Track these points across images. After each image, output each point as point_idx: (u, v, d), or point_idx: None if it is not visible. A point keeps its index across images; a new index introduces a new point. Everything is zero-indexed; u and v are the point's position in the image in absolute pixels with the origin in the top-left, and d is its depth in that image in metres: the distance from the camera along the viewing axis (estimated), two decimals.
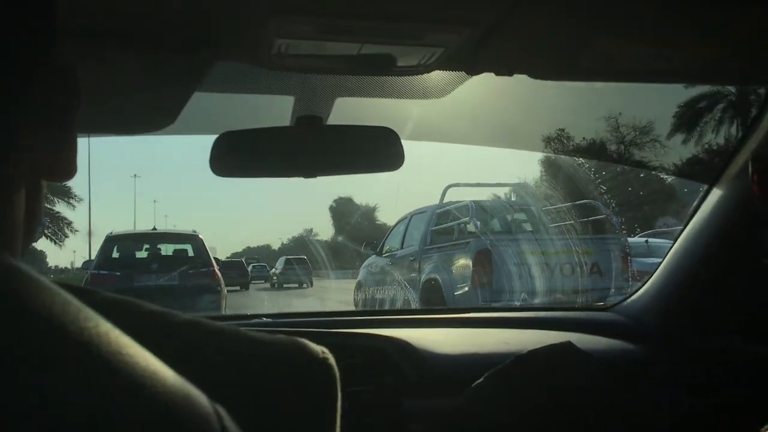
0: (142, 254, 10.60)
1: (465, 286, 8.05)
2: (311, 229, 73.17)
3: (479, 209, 9.05)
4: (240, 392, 0.39)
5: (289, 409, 0.41)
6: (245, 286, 23.51)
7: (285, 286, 25.83)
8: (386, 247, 10.36)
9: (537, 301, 7.84)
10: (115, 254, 10.15)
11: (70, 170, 0.45)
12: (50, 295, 0.30)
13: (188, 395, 0.31)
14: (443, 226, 9.22)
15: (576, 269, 8.07)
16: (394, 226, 10.71)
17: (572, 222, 8.92)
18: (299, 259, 27.16)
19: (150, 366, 0.30)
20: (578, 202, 9.59)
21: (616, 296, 7.65)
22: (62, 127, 0.45)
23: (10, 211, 0.42)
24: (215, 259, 10.87)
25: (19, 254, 0.43)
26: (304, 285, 25.33)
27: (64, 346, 0.28)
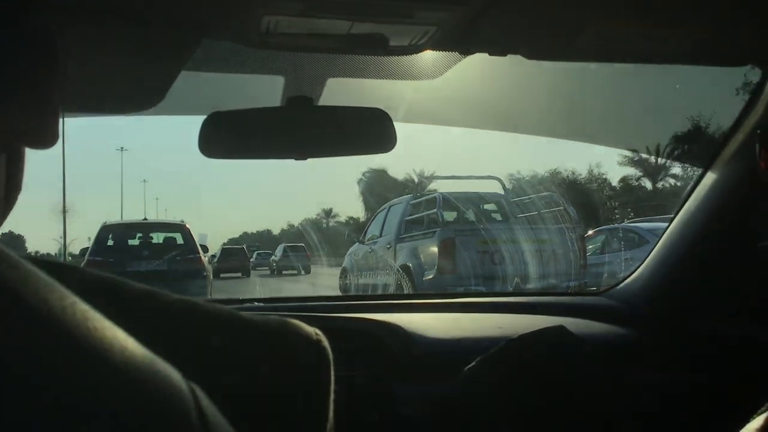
0: (134, 242, 11.33)
1: (432, 271, 8.90)
2: (330, 210, 65.63)
3: (448, 200, 9.96)
4: (232, 373, 0.38)
5: (283, 390, 0.40)
6: (246, 273, 23.97)
7: (284, 272, 26.51)
8: (368, 235, 11.17)
9: (499, 285, 8.60)
10: (110, 242, 10.90)
11: (52, 137, 0.44)
12: (15, 270, 0.29)
13: (158, 371, 0.30)
14: (415, 216, 10.04)
15: (536, 256, 8.87)
16: (376, 214, 11.56)
17: (537, 213, 9.79)
18: (297, 247, 28.05)
19: (117, 340, 0.29)
20: (542, 194, 10.51)
21: (573, 281, 8.67)
22: (42, 93, 0.44)
23: None
24: (202, 246, 11.60)
25: (1, 221, 0.43)
26: (302, 272, 25.96)
27: (25, 315, 0.28)
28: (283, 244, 30.24)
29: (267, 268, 29.51)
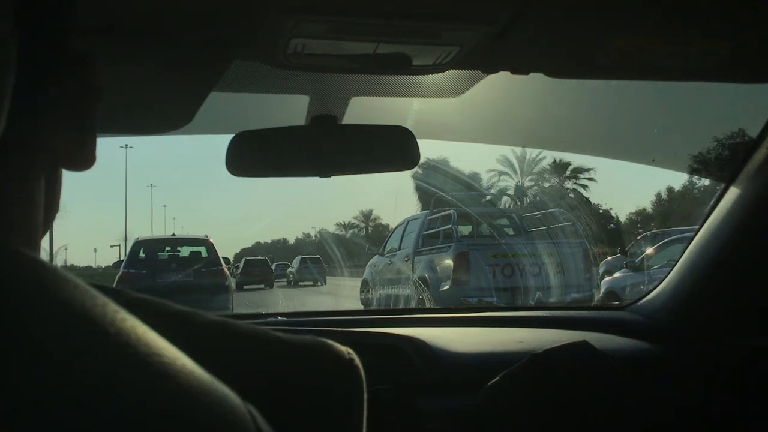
0: (163, 255, 12.58)
1: (447, 283, 9.77)
2: (370, 212, 59.78)
3: (462, 216, 10.92)
4: (267, 393, 0.39)
5: (316, 410, 0.41)
6: (269, 284, 24.12)
7: (300, 283, 26.78)
8: (387, 248, 12.09)
9: (509, 296, 9.57)
10: (142, 255, 12.13)
11: (90, 159, 0.46)
12: (89, 297, 0.31)
13: (223, 395, 0.31)
14: (432, 231, 10.89)
15: (544, 269, 9.76)
16: (394, 229, 12.55)
17: (545, 228, 10.60)
18: (314, 258, 28.66)
19: (186, 367, 0.30)
20: (549, 210, 11.39)
21: (578, 293, 9.59)
22: (83, 117, 0.45)
23: (32, 199, 0.42)
24: (224, 258, 12.87)
25: (39, 242, 0.44)
26: (318, 283, 26.36)
27: (102, 347, 0.29)
28: (300, 256, 30.52)
29: (285, 279, 29.78)
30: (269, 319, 1.72)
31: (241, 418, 0.31)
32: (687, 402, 1.49)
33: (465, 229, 10.93)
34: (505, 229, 11.29)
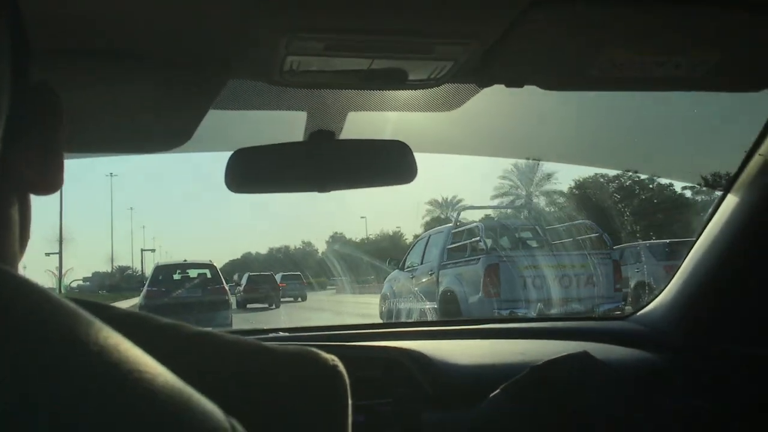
0: (177, 277, 15.66)
1: (477, 296, 9.74)
2: (461, 199, 47.62)
3: (489, 229, 11.01)
4: (250, 401, 0.39)
5: (300, 417, 0.41)
6: (276, 303, 22.45)
7: (282, 300, 26.21)
8: (408, 263, 12.15)
9: (541, 308, 9.45)
10: (160, 277, 15.42)
11: (57, 183, 0.47)
12: (71, 315, 0.31)
13: (206, 412, 0.31)
14: (458, 244, 10.89)
15: (573, 280, 9.76)
16: (414, 243, 12.74)
17: (571, 239, 10.66)
18: (294, 276, 30.08)
19: (168, 383, 0.30)
20: (576, 222, 11.43)
21: (608, 304, 9.53)
22: (47, 141, 0.46)
23: (9, 227, 0.43)
24: (226, 278, 15.87)
25: (17, 269, 0.44)
26: (299, 299, 27.22)
27: (83, 365, 0.29)
28: (280, 273, 30.63)
29: None
30: (270, 335, 1.72)
31: None
32: (689, 412, 1.48)
33: (489, 243, 10.88)
34: (528, 241, 11.43)
